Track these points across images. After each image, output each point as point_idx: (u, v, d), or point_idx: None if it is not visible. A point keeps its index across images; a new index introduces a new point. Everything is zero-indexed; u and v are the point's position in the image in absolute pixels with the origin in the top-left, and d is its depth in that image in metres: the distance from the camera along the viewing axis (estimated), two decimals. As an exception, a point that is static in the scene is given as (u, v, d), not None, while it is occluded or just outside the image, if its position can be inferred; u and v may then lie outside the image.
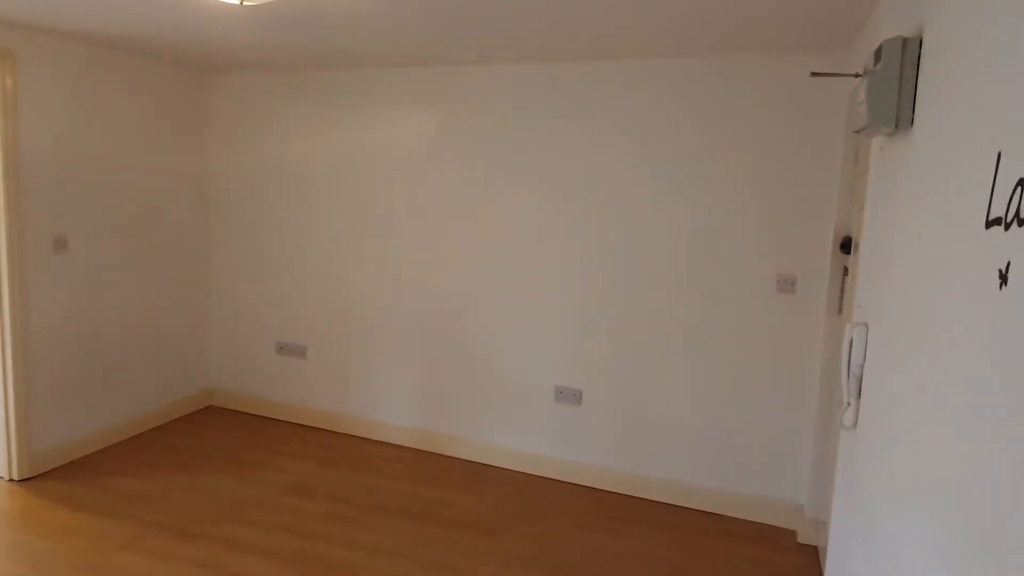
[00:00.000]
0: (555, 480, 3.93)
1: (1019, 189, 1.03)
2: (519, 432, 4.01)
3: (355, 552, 3.09)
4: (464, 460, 4.14)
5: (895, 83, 1.77)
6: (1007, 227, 1.06)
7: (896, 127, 1.82)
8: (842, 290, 3.17)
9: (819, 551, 3.20)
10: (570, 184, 3.74)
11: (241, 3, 2.10)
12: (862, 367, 2.10)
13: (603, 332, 3.76)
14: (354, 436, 4.42)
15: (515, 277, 3.93)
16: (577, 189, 3.73)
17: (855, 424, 2.16)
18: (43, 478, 3.63)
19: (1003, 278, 1.06)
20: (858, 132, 2.03)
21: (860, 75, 2.04)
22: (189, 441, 4.22)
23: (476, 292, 4.03)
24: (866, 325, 2.11)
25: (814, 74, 2.35)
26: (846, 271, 3.11)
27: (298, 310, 4.52)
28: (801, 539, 3.34)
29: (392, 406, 4.33)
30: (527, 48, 3.37)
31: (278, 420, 4.63)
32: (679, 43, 3.17)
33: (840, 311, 3.17)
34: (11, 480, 3.57)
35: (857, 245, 2.72)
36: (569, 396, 3.86)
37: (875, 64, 1.85)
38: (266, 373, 4.67)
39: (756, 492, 3.55)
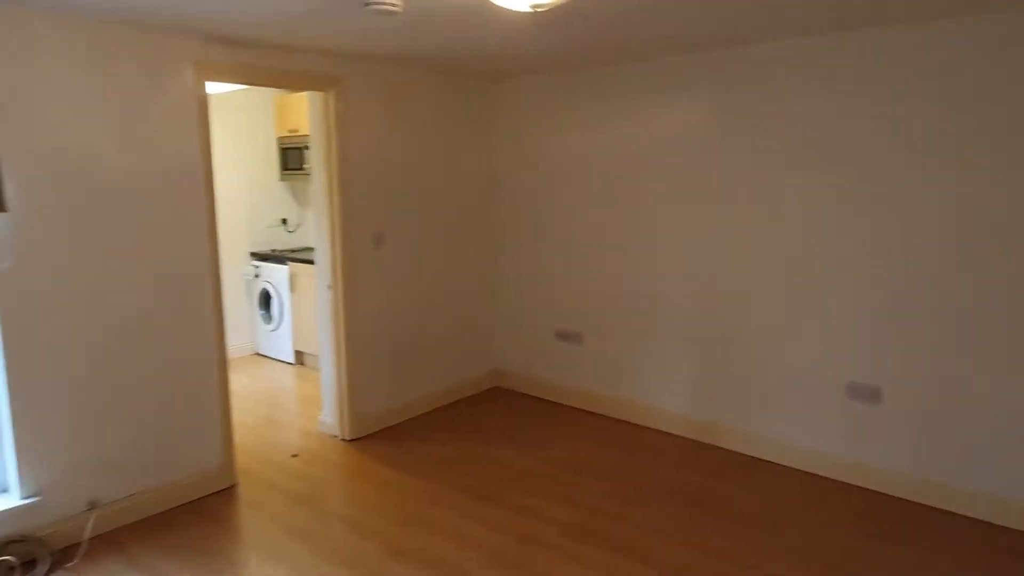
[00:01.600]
0: (840, 482, 3.64)
1: None
2: (801, 427, 3.78)
3: (635, 531, 3.17)
4: (738, 452, 4.02)
5: None
6: None
7: None
8: None
9: None
10: (862, 164, 3.43)
11: (534, 10, 2.26)
12: None
13: (907, 323, 3.39)
14: (626, 421, 4.52)
15: (799, 263, 3.70)
16: (870, 168, 3.41)
17: None
18: (366, 440, 4.26)
19: None
20: None
21: None
22: (480, 417, 4.65)
23: (755, 280, 3.88)
24: None
25: None
26: None
27: (575, 298, 4.74)
28: None
29: (664, 393, 4.34)
30: (820, 17, 3.15)
31: (557, 403, 4.90)
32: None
33: None
34: (343, 439, 4.25)
35: None
36: (864, 393, 3.55)
37: None
38: (546, 358, 4.96)
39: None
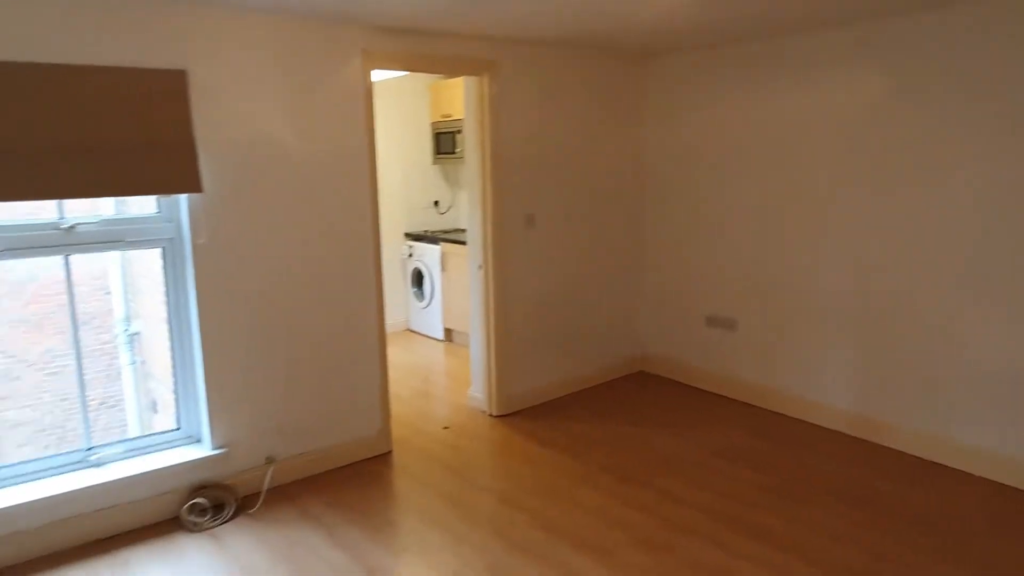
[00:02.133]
0: (1036, 491, 3.28)
1: None
2: (985, 430, 3.43)
3: (792, 525, 3.03)
4: (910, 454, 3.72)
5: None
6: None
7: None
8: None
9: None
10: (1071, 131, 3.03)
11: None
12: None
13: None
14: (781, 413, 4.31)
15: (983, 246, 3.35)
16: (1082, 136, 3.01)
17: None
18: (515, 416, 4.36)
19: None
20: None
21: None
22: (625, 400, 4.61)
23: (930, 264, 3.55)
24: None
25: None
26: None
27: (727, 283, 4.57)
28: None
29: (826, 386, 4.09)
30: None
31: (706, 390, 4.77)
32: None
33: None
34: (491, 415, 4.37)
35: None
36: (1061, 392, 3.16)
37: None
38: (695, 343, 4.83)
39: None
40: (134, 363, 6.73)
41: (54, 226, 2.90)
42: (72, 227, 2.94)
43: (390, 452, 3.85)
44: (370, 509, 3.24)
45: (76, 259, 3.02)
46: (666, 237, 4.93)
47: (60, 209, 2.97)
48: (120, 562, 2.84)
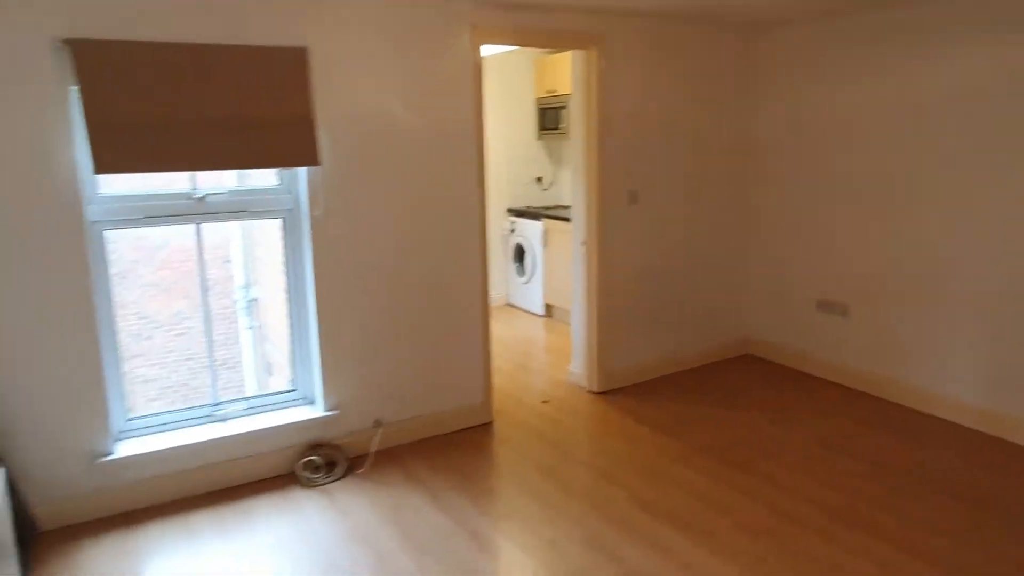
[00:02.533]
0: None
1: None
2: None
3: (904, 522, 2.88)
4: (1045, 452, 3.45)
5: None
6: None
7: None
8: None
9: None
10: None
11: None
12: None
13: None
14: (896, 403, 4.09)
15: None
16: None
17: None
18: (614, 393, 4.35)
19: None
20: None
21: None
22: (729, 383, 4.51)
23: (1080, 250, 3.25)
24: None
25: None
26: None
27: (840, 266, 4.36)
28: None
29: (949, 377, 3.85)
30: None
31: (814, 376, 4.58)
32: None
33: None
34: (591, 391, 4.38)
35: None
36: None
37: None
38: (804, 328, 4.65)
39: None
40: (252, 327, 7.17)
41: (187, 196, 3.12)
42: (203, 197, 3.14)
43: (491, 422, 3.93)
44: (472, 476, 3.33)
45: (203, 229, 3.24)
46: (775, 217, 4.74)
47: (192, 181, 3.18)
48: (243, 510, 3.06)
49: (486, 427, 3.88)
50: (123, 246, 9.86)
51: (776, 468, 3.35)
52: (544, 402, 4.24)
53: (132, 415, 3.18)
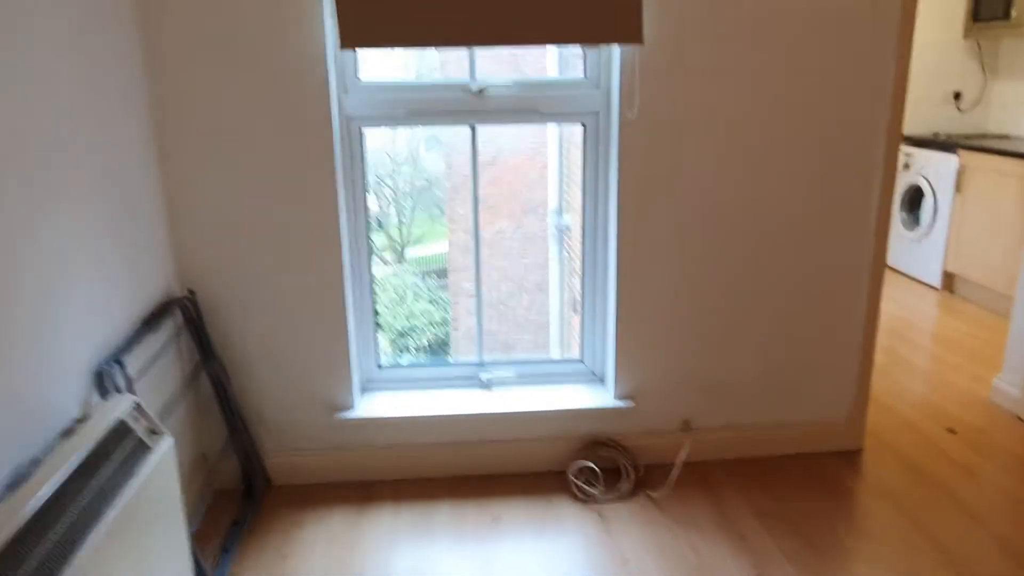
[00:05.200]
0: None
1: None
2: None
3: None
4: None
5: None
6: None
7: None
8: None
9: None
10: None
11: None
12: None
13: None
14: None
15: None
16: None
17: None
18: (1076, 439, 2.68)
19: None
20: None
21: None
22: None
23: None
24: None
25: None
26: None
27: None
28: None
29: None
30: None
31: None
32: None
33: None
34: (1030, 425, 2.77)
35: None
36: None
37: None
38: None
39: None
40: (561, 257, 6.52)
41: (462, 88, 2.30)
42: (481, 91, 2.29)
43: (859, 451, 2.62)
44: (819, 537, 2.13)
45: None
46: None
47: (472, 70, 2.36)
48: (489, 510, 2.29)
49: (850, 457, 2.58)
50: (459, 160, 10.05)
51: None
52: (950, 431, 2.76)
53: (384, 362, 2.58)
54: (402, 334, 10.96)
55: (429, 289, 12.34)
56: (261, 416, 2.38)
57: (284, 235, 2.23)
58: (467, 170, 9.53)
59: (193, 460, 2.26)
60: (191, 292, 2.19)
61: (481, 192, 9.87)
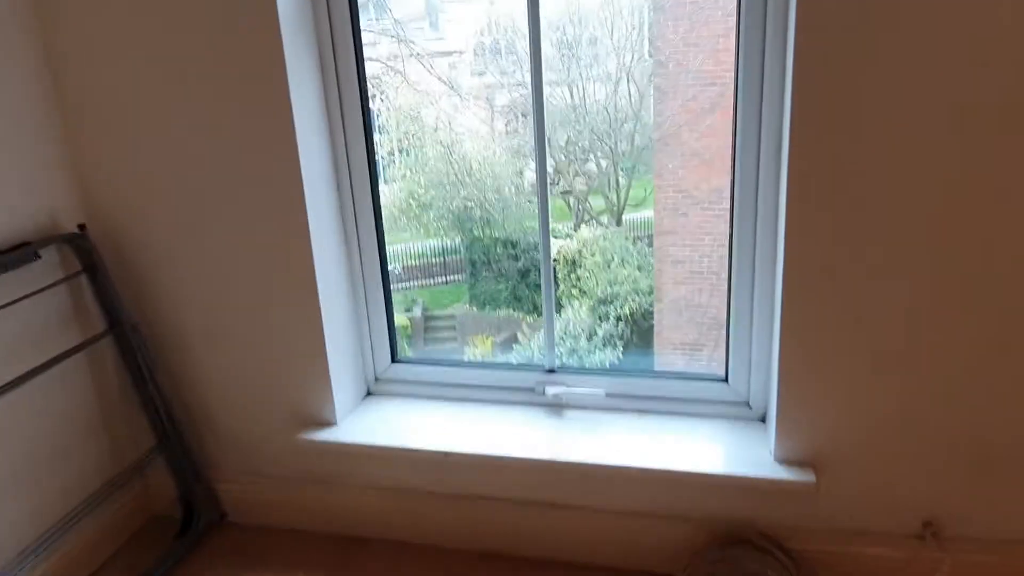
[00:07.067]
0: None
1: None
2: None
3: None
4: None
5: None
6: None
7: None
8: None
9: None
10: None
11: None
12: None
13: None
14: None
15: None
16: None
17: None
18: None
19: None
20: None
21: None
22: None
23: None
24: None
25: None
26: None
27: None
28: None
29: None
30: None
31: None
32: None
33: None
34: None
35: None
36: None
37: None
38: None
39: None
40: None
41: None
42: None
43: None
44: None
45: None
46: None
47: None
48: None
49: None
50: (672, 107, 8.69)
51: None
52: None
53: (402, 356, 1.65)
54: (603, 301, 10.07)
55: (639, 254, 11.26)
56: (209, 420, 1.59)
57: (226, 160, 1.38)
58: (678, 118, 8.18)
59: (102, 466, 1.55)
60: (81, 227, 1.43)
61: (696, 144, 8.49)
